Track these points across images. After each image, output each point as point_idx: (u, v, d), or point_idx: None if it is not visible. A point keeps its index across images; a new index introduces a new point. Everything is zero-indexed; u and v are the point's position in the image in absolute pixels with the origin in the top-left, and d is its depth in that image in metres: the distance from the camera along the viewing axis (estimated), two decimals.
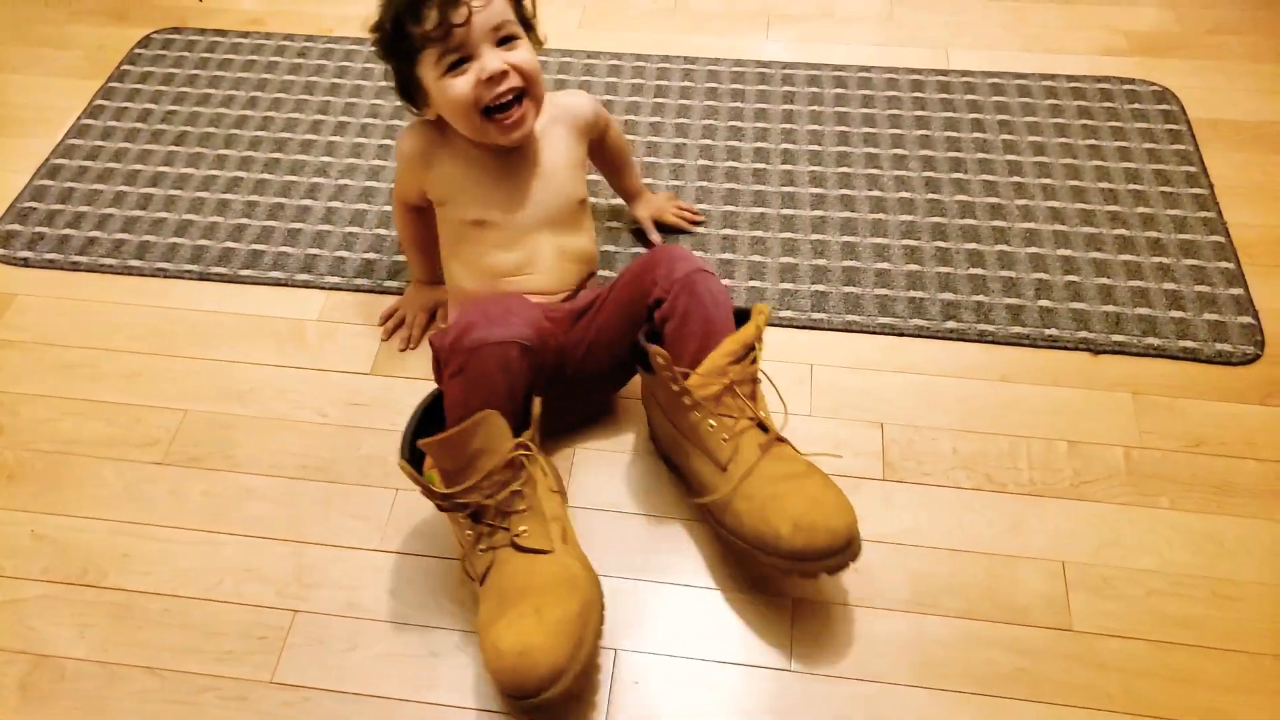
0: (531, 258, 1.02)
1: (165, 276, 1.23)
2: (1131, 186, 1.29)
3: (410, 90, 0.99)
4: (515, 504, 0.85)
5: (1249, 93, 1.42)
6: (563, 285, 1.04)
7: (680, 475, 0.99)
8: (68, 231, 1.28)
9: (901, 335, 1.14)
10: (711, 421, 0.89)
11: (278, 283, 1.22)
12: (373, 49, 0.99)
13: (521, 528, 0.85)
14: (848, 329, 1.15)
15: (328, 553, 0.98)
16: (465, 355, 0.87)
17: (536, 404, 0.89)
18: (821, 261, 1.22)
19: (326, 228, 1.28)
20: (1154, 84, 1.43)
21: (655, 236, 1.23)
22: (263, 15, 1.62)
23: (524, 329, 0.88)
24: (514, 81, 0.95)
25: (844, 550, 0.83)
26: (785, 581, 0.94)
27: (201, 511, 1.01)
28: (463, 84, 0.93)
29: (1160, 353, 1.10)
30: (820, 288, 1.19)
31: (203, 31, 1.58)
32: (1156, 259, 1.20)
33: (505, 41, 0.95)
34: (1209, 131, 1.36)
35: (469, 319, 0.89)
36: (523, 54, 0.96)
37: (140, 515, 1.01)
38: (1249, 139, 1.35)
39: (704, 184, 1.32)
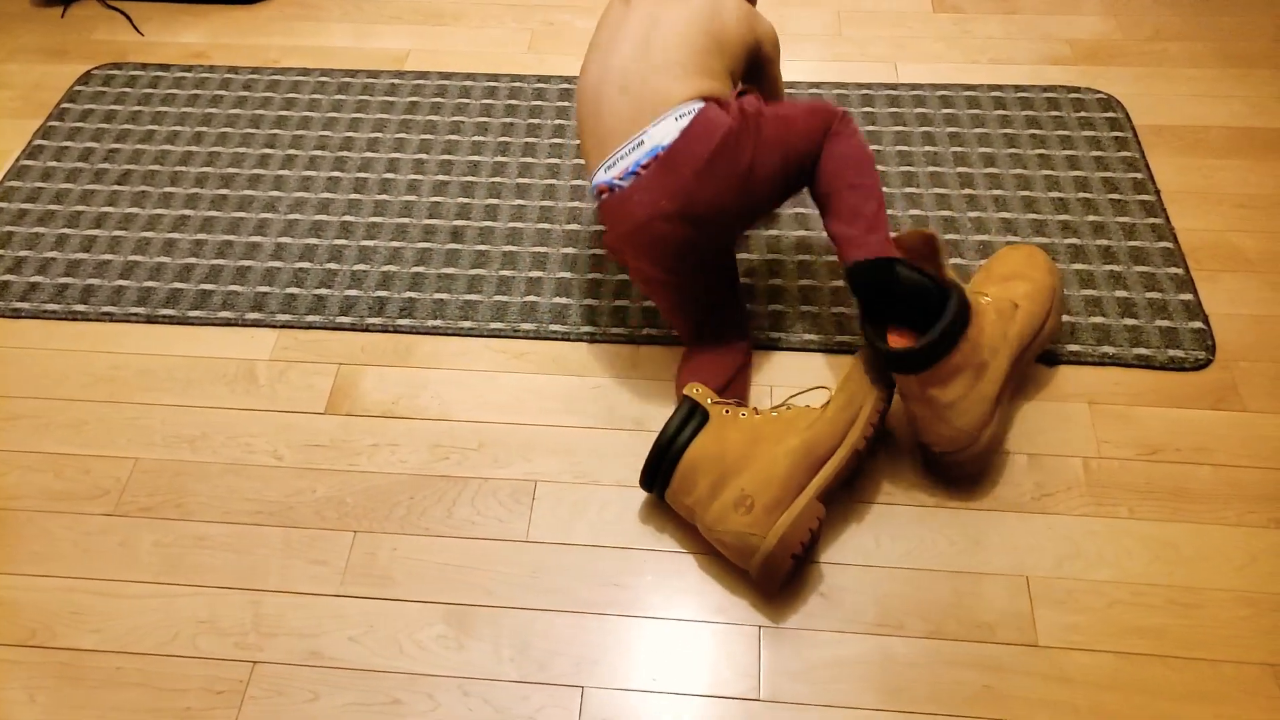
0: None
1: (111, 320, 1.21)
2: (1081, 195, 1.30)
3: None
4: None
5: (1190, 98, 1.44)
6: None
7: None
8: (8, 278, 1.25)
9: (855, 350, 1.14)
10: None
11: (227, 323, 1.20)
12: None
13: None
14: (805, 348, 1.15)
15: (286, 600, 0.96)
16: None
17: None
18: (778, 281, 1.21)
19: (277, 264, 1.26)
20: (1099, 92, 1.45)
21: None
22: (206, 49, 1.60)
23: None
24: None
25: None
26: (750, 609, 0.93)
27: (153, 563, 0.99)
28: None
29: (1115, 361, 1.12)
30: (777, 307, 1.19)
31: (144, 66, 1.56)
32: (1108, 267, 1.21)
33: None
34: (1153, 137, 1.38)
35: None
36: None
37: (90, 570, 0.99)
38: (1191, 144, 1.37)
39: None
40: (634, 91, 1.00)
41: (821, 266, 1.23)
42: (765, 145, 0.98)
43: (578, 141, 1.41)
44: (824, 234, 1.27)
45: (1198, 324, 1.14)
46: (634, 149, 0.98)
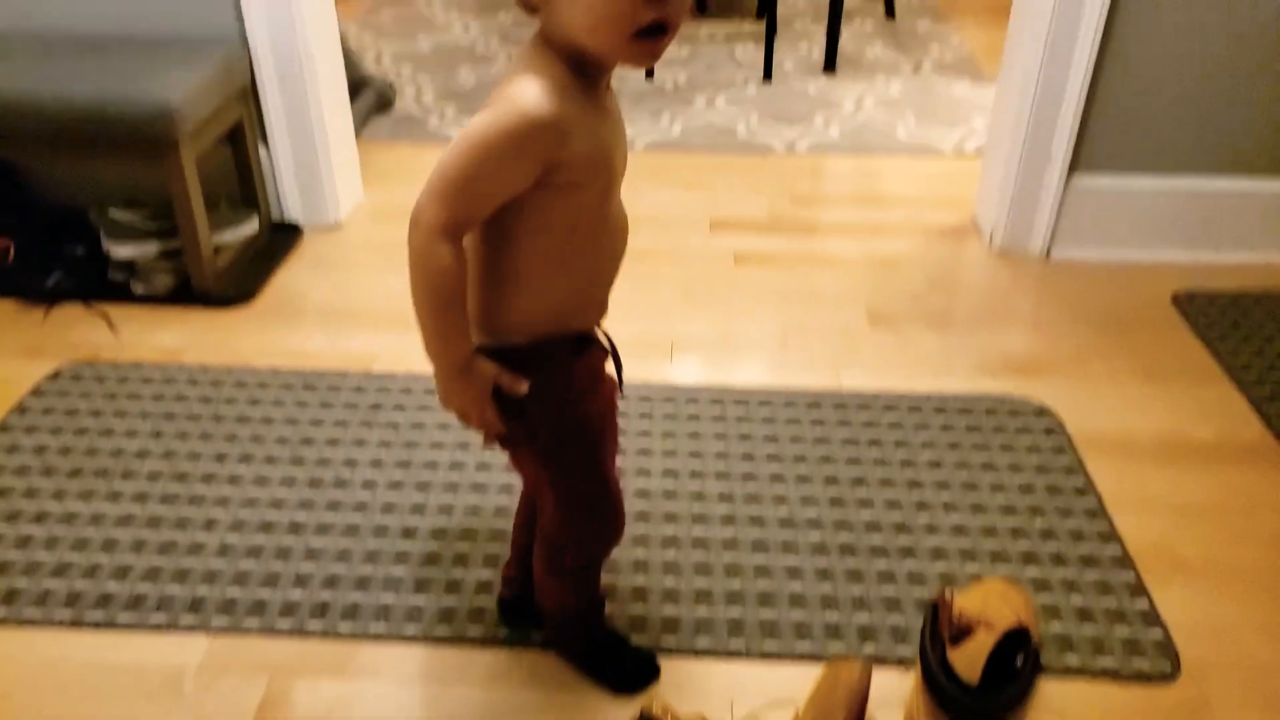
0: (626, 227, 0.88)
1: (33, 626, 1.14)
2: (1027, 500, 1.34)
3: None
4: None
5: (1114, 409, 1.53)
6: None
7: None
8: None
9: (821, 661, 1.10)
10: None
11: (159, 627, 1.13)
12: None
13: None
14: (765, 657, 1.11)
15: None
16: None
17: None
18: (735, 584, 1.20)
19: (219, 565, 1.21)
20: (1033, 402, 1.54)
21: None
22: (180, 348, 1.65)
23: None
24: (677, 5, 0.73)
25: None
26: None
27: None
28: None
29: (1080, 672, 1.09)
30: (735, 613, 1.16)
31: (116, 365, 1.60)
32: (1061, 573, 1.22)
33: None
34: (1088, 445, 1.45)
35: None
36: None
37: None
38: (1123, 452, 1.44)
39: None
40: None
41: (781, 570, 1.22)
42: None
43: None
44: (781, 538, 1.27)
45: (1157, 631, 1.13)
46: None
